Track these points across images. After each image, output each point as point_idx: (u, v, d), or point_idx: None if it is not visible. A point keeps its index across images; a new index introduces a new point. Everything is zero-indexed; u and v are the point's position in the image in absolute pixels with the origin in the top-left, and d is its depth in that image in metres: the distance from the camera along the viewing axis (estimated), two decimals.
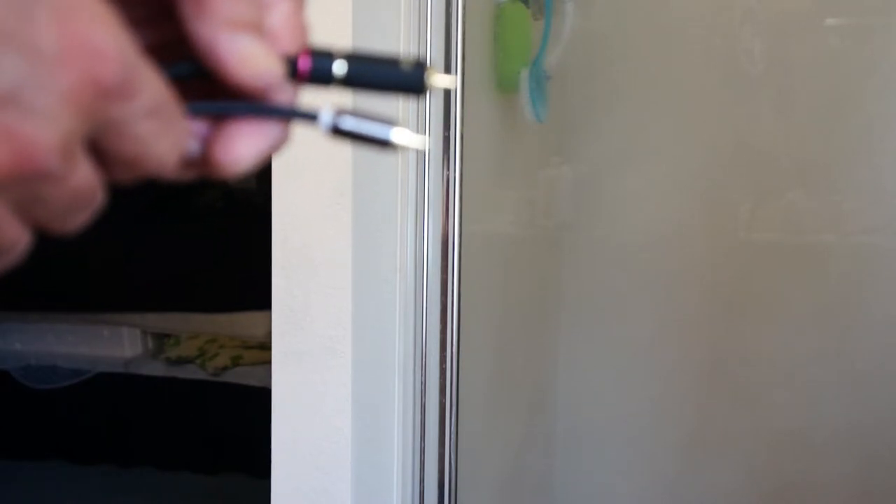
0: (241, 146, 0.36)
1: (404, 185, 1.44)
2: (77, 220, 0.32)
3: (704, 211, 2.27)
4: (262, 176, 2.71)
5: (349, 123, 0.37)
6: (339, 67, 0.37)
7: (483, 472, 1.87)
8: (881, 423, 2.21)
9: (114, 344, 2.94)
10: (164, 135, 0.32)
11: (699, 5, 2.31)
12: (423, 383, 1.49)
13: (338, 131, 0.37)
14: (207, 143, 0.36)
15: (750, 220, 2.26)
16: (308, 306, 1.37)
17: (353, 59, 0.37)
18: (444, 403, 1.52)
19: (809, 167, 2.23)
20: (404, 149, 0.38)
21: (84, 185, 0.31)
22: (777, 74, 2.22)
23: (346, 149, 1.34)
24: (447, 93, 1.48)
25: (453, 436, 1.53)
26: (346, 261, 1.36)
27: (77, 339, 2.96)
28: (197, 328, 2.91)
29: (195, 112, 0.35)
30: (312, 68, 0.36)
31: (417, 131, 1.46)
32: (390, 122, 0.37)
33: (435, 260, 1.49)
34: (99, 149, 0.32)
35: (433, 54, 1.45)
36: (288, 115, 0.36)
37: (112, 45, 0.30)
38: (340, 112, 0.37)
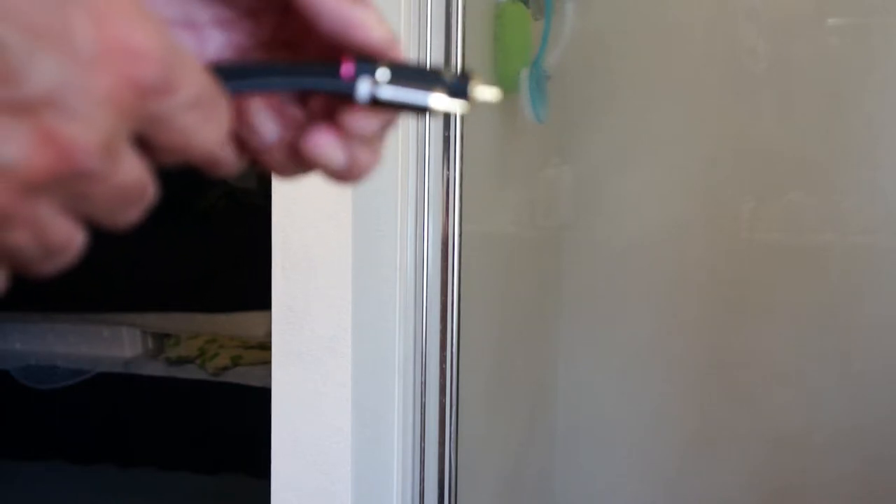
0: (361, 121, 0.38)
1: (404, 185, 1.44)
2: (129, 215, 0.33)
3: (704, 211, 2.28)
4: (263, 176, 2.71)
5: (387, 93, 0.37)
6: (383, 75, 0.37)
7: (483, 472, 1.87)
8: (881, 424, 2.21)
9: (114, 344, 2.94)
10: (207, 121, 0.33)
11: (699, 5, 2.31)
12: (423, 383, 1.49)
13: (376, 102, 0.37)
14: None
15: (750, 220, 2.26)
16: (308, 306, 1.37)
17: (396, 67, 0.37)
18: (444, 403, 1.52)
19: (810, 167, 2.23)
20: (442, 113, 0.38)
21: (131, 180, 0.31)
22: (778, 74, 2.22)
23: None
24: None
25: (453, 436, 1.53)
26: (346, 261, 1.36)
27: (77, 339, 2.96)
28: (197, 328, 2.91)
29: (234, 91, 0.35)
30: (356, 74, 0.37)
31: (418, 132, 1.46)
32: (427, 89, 0.37)
33: (435, 260, 1.49)
34: (144, 140, 0.32)
35: (433, 54, 1.45)
36: (325, 88, 0.37)
37: (150, 44, 0.30)
38: (378, 82, 0.37)
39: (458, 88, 0.38)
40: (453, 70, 0.38)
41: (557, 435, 2.37)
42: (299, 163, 0.38)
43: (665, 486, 2.34)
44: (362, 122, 0.37)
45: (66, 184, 0.30)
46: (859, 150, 2.19)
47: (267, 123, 0.38)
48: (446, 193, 1.49)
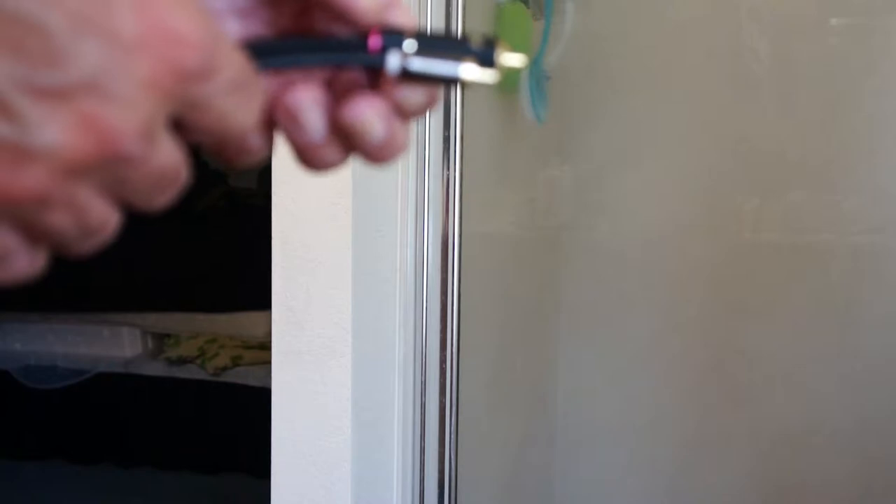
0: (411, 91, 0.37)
1: (404, 186, 1.44)
2: (163, 197, 0.33)
3: (705, 211, 2.27)
4: (263, 176, 2.71)
5: (418, 65, 0.37)
6: (409, 46, 0.37)
7: (483, 471, 1.87)
8: (881, 423, 2.21)
9: (114, 344, 2.93)
10: (243, 104, 0.33)
11: (700, 5, 2.30)
12: (423, 383, 1.49)
13: (406, 74, 0.37)
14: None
15: (750, 220, 2.26)
16: (308, 306, 1.37)
17: (422, 37, 0.37)
18: (444, 403, 1.52)
19: (811, 167, 2.23)
20: (474, 84, 0.38)
21: (167, 164, 0.32)
22: (778, 74, 2.22)
23: None
24: (447, 93, 1.48)
25: (453, 436, 1.53)
26: (346, 261, 1.36)
27: (77, 339, 2.96)
28: (197, 328, 2.91)
29: (266, 68, 0.35)
30: (383, 46, 0.37)
31: (418, 132, 1.46)
32: (457, 59, 0.37)
33: (435, 260, 1.49)
34: (179, 123, 0.32)
35: None
36: (355, 61, 0.37)
37: (191, 29, 0.30)
38: (407, 54, 0.37)
39: (486, 56, 0.37)
40: (479, 36, 0.38)
41: (557, 435, 2.37)
42: (338, 142, 0.38)
43: (665, 486, 2.34)
44: (411, 91, 0.37)
45: (106, 167, 0.30)
46: (861, 150, 2.19)
47: (316, 121, 0.37)
48: (446, 193, 1.49)
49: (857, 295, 2.20)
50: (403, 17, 0.37)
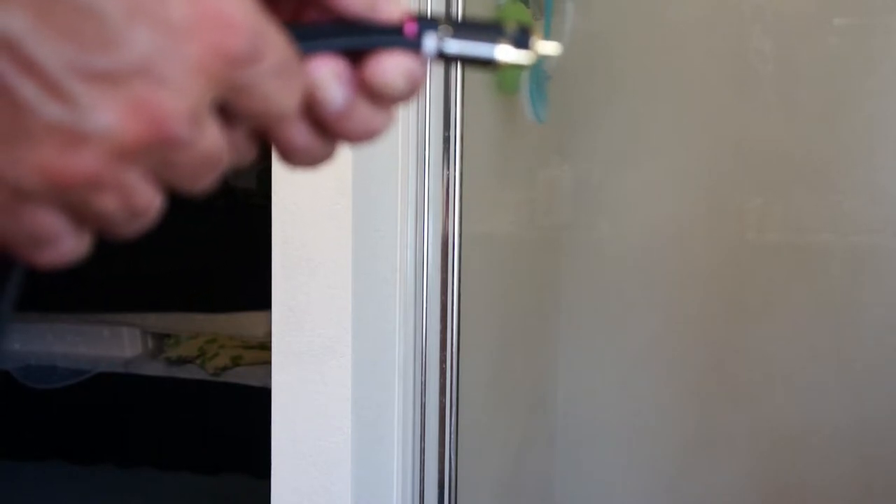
0: (387, 66, 0.36)
1: (404, 185, 1.44)
2: (205, 181, 0.33)
3: (705, 211, 2.27)
4: (262, 176, 2.71)
5: (454, 47, 0.37)
6: (445, 31, 0.37)
7: (483, 472, 1.87)
8: (881, 423, 2.21)
9: (114, 344, 2.94)
10: (286, 87, 0.33)
11: (700, 5, 2.30)
12: (423, 383, 1.49)
13: (442, 56, 0.37)
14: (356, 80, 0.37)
15: (750, 220, 2.26)
16: (308, 306, 1.37)
17: (457, 25, 0.37)
18: (444, 403, 1.52)
19: (811, 167, 2.23)
20: (510, 65, 0.38)
21: (212, 148, 0.32)
22: (779, 74, 2.22)
23: (345, 149, 1.34)
24: (447, 93, 1.48)
25: (453, 436, 1.53)
26: (346, 261, 1.36)
27: (77, 339, 2.96)
28: (197, 328, 2.91)
29: (306, 52, 0.35)
30: (419, 30, 0.37)
31: (418, 132, 1.46)
32: (493, 40, 0.37)
33: (435, 260, 1.49)
34: (225, 108, 0.33)
35: None
36: (392, 44, 0.37)
37: (239, 14, 0.31)
38: (443, 37, 0.37)
39: (521, 40, 0.38)
40: (513, 24, 0.38)
41: (557, 435, 2.37)
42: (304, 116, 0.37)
43: (665, 486, 2.34)
44: (386, 73, 0.36)
45: (155, 151, 0.31)
46: (861, 150, 2.19)
47: (336, 90, 0.36)
48: (446, 193, 1.49)
49: (856, 295, 2.20)
50: (395, 9, 0.37)
